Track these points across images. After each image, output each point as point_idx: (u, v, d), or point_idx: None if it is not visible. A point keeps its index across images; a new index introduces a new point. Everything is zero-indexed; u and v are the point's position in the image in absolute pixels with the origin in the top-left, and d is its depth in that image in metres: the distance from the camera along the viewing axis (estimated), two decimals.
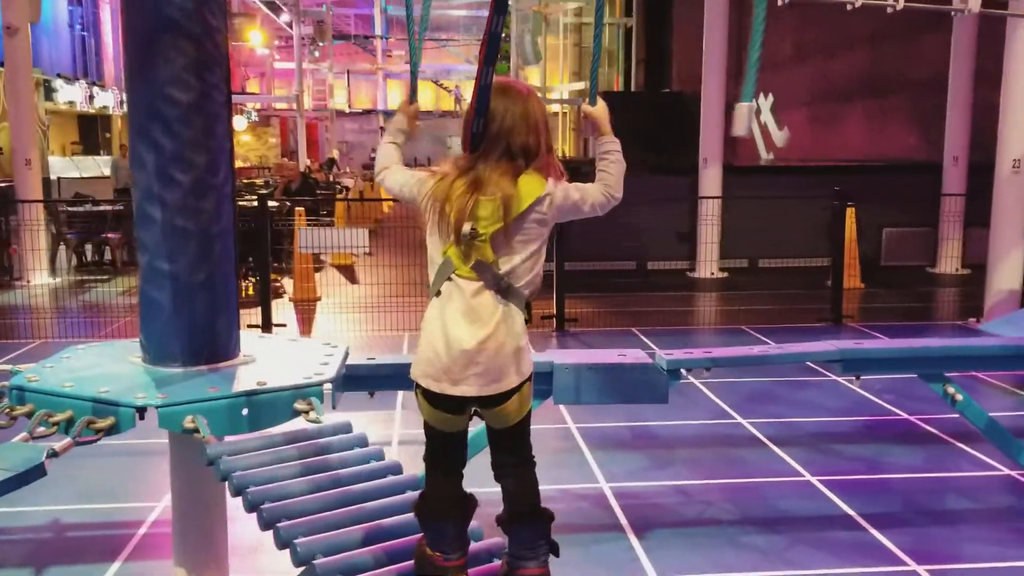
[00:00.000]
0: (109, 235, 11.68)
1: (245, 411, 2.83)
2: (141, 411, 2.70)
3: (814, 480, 4.59)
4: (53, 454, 2.47)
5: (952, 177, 11.63)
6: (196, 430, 2.66)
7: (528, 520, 2.07)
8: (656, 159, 17.56)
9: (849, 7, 8.49)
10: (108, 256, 12.15)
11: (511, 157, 2.07)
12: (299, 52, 25.30)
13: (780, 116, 19.75)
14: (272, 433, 2.67)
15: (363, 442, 2.72)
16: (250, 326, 8.01)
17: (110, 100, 23.08)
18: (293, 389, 2.92)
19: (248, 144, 34.01)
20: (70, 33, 23.85)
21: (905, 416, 5.67)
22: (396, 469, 2.54)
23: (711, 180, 11.61)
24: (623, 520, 4.13)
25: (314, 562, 2.07)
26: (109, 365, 3.11)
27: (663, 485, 4.58)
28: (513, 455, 2.10)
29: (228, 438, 2.58)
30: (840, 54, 16.96)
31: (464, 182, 2.07)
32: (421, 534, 2.15)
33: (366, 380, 3.33)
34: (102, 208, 11.89)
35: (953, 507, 4.29)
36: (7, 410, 2.78)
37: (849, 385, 6.35)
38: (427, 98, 47.02)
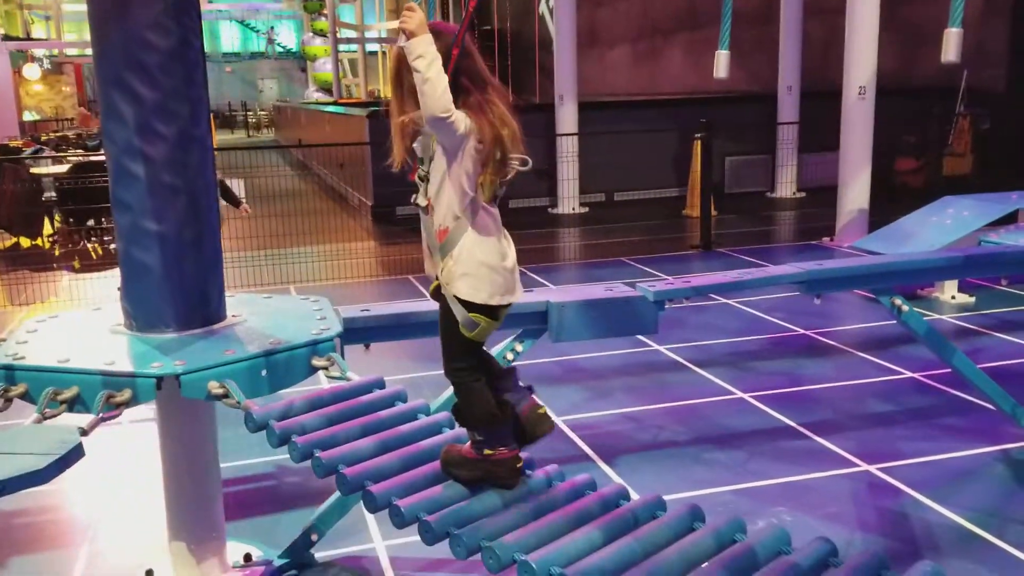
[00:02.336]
0: None
1: (264, 372, 2.72)
2: (159, 380, 2.53)
3: (746, 396, 4.88)
4: (84, 433, 2.28)
5: (787, 106, 12.35)
6: (225, 395, 2.53)
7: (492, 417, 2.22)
8: None
9: None
10: None
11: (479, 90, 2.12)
12: None
13: (608, 52, 20.22)
14: (311, 394, 2.56)
15: (403, 397, 2.66)
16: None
17: None
18: (307, 346, 2.83)
19: (41, 94, 31.27)
20: None
21: (802, 331, 6.09)
22: (449, 422, 2.51)
23: (567, 117, 11.78)
24: (587, 450, 4.26)
25: (428, 519, 2.03)
26: (94, 335, 2.88)
27: (611, 414, 4.73)
28: (480, 359, 2.27)
29: (251, 402, 2.45)
30: None
31: (499, 111, 2.09)
32: (466, 452, 2.21)
33: (362, 332, 3.24)
34: None
35: (878, 410, 4.68)
36: (1, 391, 2.53)
37: (738, 306, 6.73)
38: (234, 38, 44.80)
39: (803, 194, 12.44)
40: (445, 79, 1.99)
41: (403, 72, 2.10)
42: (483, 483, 2.17)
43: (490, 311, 2.15)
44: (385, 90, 36.18)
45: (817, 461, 4.05)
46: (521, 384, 2.33)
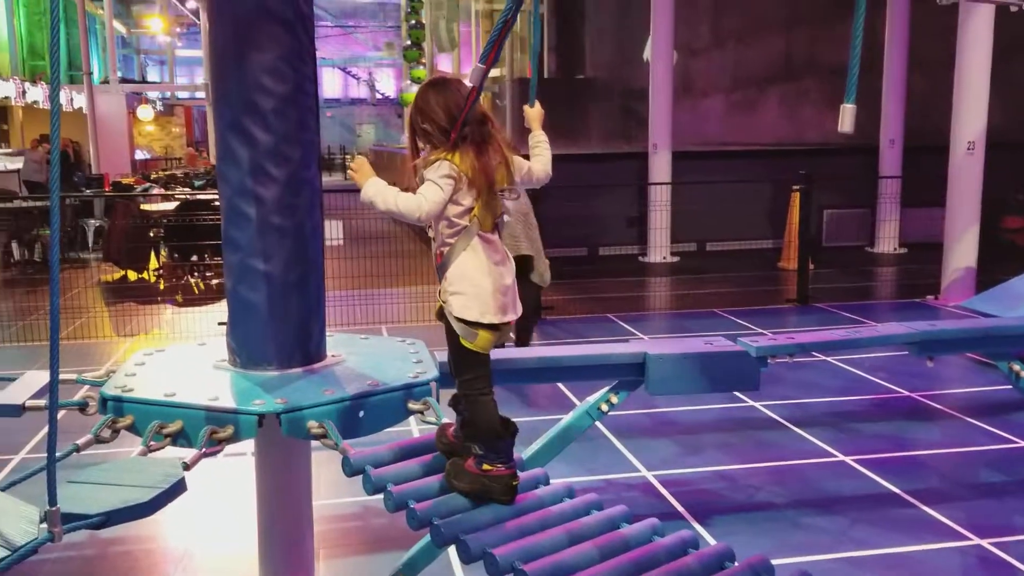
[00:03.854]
0: (43, 232, 11.08)
1: (361, 413, 2.72)
2: (260, 418, 2.55)
3: (848, 460, 4.69)
4: (186, 467, 2.31)
5: (888, 159, 12.05)
6: (324, 435, 2.53)
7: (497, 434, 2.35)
8: (573, 145, 17.57)
9: None
10: (39, 254, 11.51)
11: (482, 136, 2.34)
12: (206, 39, 24.43)
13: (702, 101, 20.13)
14: (406, 441, 2.55)
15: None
16: (220, 323, 7.70)
17: (11, 91, 21.86)
18: (404, 389, 2.82)
19: (152, 134, 32.73)
20: None
21: (907, 393, 5.85)
22: (544, 479, 2.47)
23: (661, 165, 11.73)
24: (679, 507, 4.14)
25: (524, 568, 1.98)
26: (198, 370, 2.93)
27: (704, 471, 4.60)
28: (487, 378, 2.41)
29: (348, 444, 2.45)
30: (757, 40, 17.39)
31: (488, 155, 2.30)
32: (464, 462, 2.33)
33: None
34: (32, 204, 11.27)
35: (989, 480, 4.43)
36: (110, 422, 2.59)
37: (838, 364, 6.52)
38: (335, 85, 46.22)
39: (905, 250, 12.06)
40: (401, 197, 2.28)
41: (414, 122, 2.38)
42: (479, 497, 2.26)
43: (485, 326, 2.31)
44: None
45: (924, 531, 3.85)
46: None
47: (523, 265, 5.55)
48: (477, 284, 2.32)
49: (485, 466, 2.28)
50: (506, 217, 2.40)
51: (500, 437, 2.32)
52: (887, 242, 12.14)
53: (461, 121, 2.27)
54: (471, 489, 2.28)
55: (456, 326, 2.33)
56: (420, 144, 2.41)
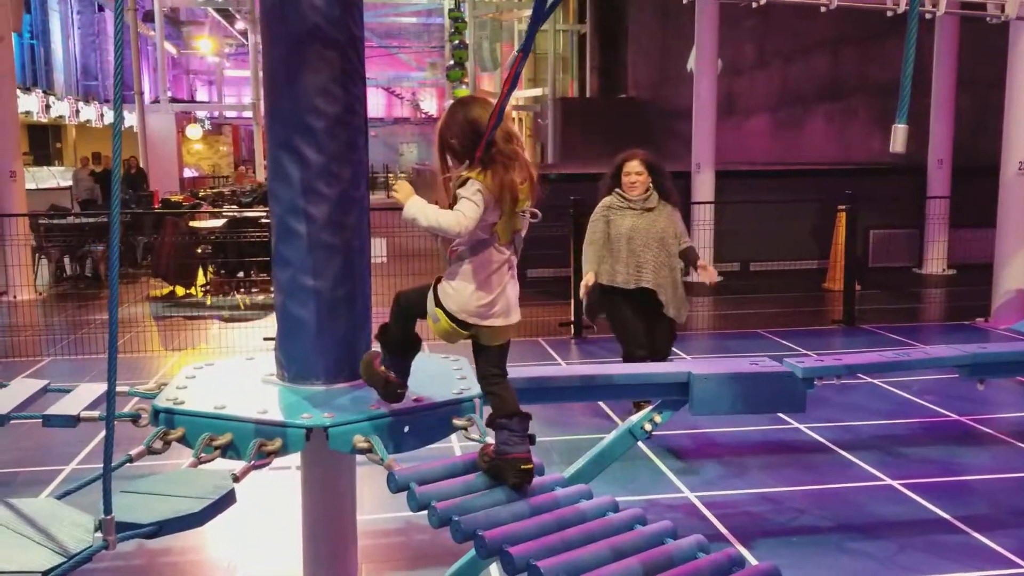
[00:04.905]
0: (94, 248, 11.32)
1: (407, 429, 2.75)
2: (308, 431, 2.59)
3: (895, 484, 4.61)
4: (236, 479, 2.35)
5: (937, 180, 11.88)
6: (369, 450, 2.56)
7: (511, 418, 2.50)
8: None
9: (824, 8, 8.73)
10: (89, 269, 11.76)
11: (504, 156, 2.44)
12: (255, 60, 24.86)
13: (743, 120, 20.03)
14: (451, 459, 2.57)
15: (540, 470, 2.63)
16: (266, 339, 7.81)
17: (66, 110, 22.42)
18: (449, 405, 2.85)
19: (201, 153, 33.32)
20: (19, 41, 23.14)
21: (956, 417, 5.74)
22: (587, 494, 2.47)
23: (704, 185, 11.69)
24: (723, 529, 4.10)
25: None
26: (248, 384, 2.98)
27: (748, 493, 4.56)
28: (499, 368, 2.59)
29: (393, 459, 2.48)
30: (803, 59, 17.29)
31: (512, 174, 2.40)
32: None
33: None
34: (84, 220, 11.53)
35: None
36: (161, 434, 2.65)
37: (885, 387, 6.42)
38: (379, 104, 46.73)
39: (953, 271, 11.86)
40: (441, 215, 2.40)
41: (443, 137, 2.51)
42: (496, 480, 2.42)
43: (455, 320, 2.50)
44: None
45: (975, 559, 3.77)
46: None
47: (645, 298, 5.29)
48: (468, 287, 2.49)
49: (506, 452, 2.44)
50: (523, 232, 2.52)
51: (519, 417, 2.50)
52: (935, 263, 11.94)
53: (485, 138, 2.37)
54: (488, 469, 2.45)
55: (429, 305, 2.55)
56: (449, 160, 2.53)
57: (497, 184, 2.37)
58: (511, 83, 2.40)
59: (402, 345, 2.73)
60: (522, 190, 2.43)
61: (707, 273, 5.18)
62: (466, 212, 2.37)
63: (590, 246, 5.39)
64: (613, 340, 8.19)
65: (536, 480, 2.54)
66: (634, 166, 5.31)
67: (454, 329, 2.53)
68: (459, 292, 2.51)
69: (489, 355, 2.60)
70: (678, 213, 5.48)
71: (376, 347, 2.78)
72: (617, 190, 5.35)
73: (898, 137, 1.90)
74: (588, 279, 5.32)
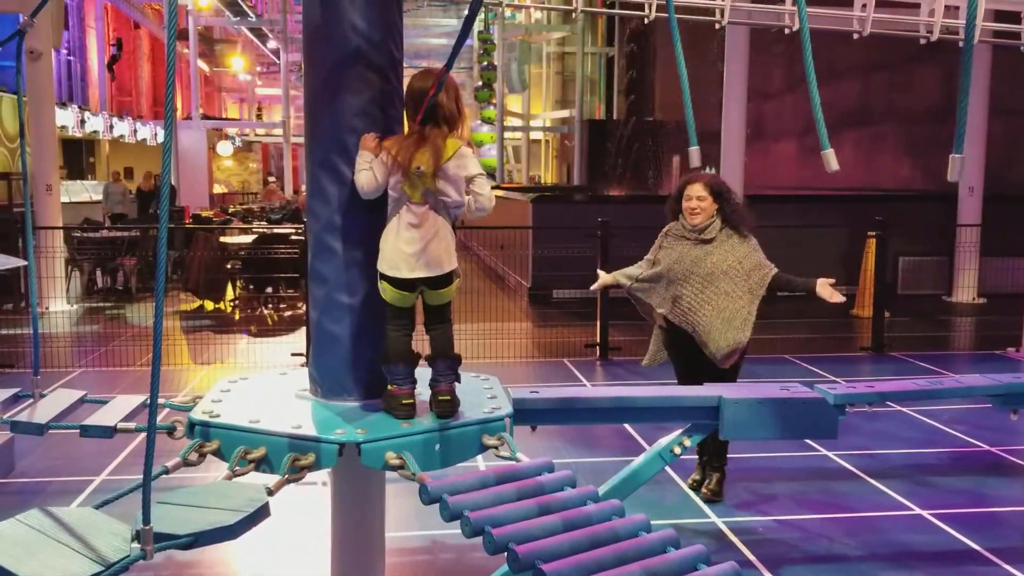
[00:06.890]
0: (124, 261, 11.46)
1: (438, 446, 2.76)
2: (341, 447, 2.61)
3: (925, 514, 4.56)
4: (270, 492, 2.37)
5: (968, 207, 11.79)
6: (401, 466, 2.58)
7: (445, 357, 2.87)
8: (642, 187, 17.46)
9: (856, 36, 8.72)
10: (120, 282, 11.91)
11: (437, 124, 2.80)
12: (286, 78, 25.15)
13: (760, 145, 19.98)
14: (482, 472, 2.57)
15: (572, 482, 2.63)
16: (294, 354, 7.86)
17: (100, 125, 22.75)
18: (480, 424, 2.86)
19: (230, 169, 33.69)
20: (55, 57, 23.55)
21: (987, 447, 5.67)
22: (620, 510, 2.46)
23: None
24: (751, 556, 4.07)
25: None
26: (281, 399, 3.01)
27: (776, 520, 4.52)
28: (440, 317, 2.93)
29: (427, 475, 2.49)
30: (832, 85, 17.23)
31: (412, 140, 2.78)
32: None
33: (530, 414, 3.25)
34: (115, 233, 11.68)
35: None
36: (197, 447, 2.68)
37: (915, 415, 6.36)
38: None
39: (984, 300, 11.74)
40: (357, 173, 2.81)
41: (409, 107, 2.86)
42: (388, 412, 2.79)
43: (388, 280, 2.79)
44: (544, 175, 37.03)
45: None
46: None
47: (686, 335, 4.75)
48: (388, 242, 2.79)
49: (390, 387, 2.81)
50: (451, 195, 2.79)
51: (396, 361, 2.81)
52: (965, 291, 11.83)
53: (423, 110, 2.75)
54: (383, 405, 2.83)
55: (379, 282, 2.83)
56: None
57: (396, 147, 2.75)
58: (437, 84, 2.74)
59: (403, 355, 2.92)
60: (418, 154, 2.73)
61: (827, 291, 4.59)
62: (364, 172, 2.78)
63: (640, 262, 5.02)
64: (638, 361, 8.21)
65: (568, 492, 2.54)
66: (696, 190, 4.70)
67: (400, 294, 2.80)
68: (383, 249, 2.81)
69: (399, 310, 2.85)
70: (752, 240, 4.86)
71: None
72: (681, 216, 4.82)
73: (955, 167, 1.93)
74: (604, 279, 4.97)
